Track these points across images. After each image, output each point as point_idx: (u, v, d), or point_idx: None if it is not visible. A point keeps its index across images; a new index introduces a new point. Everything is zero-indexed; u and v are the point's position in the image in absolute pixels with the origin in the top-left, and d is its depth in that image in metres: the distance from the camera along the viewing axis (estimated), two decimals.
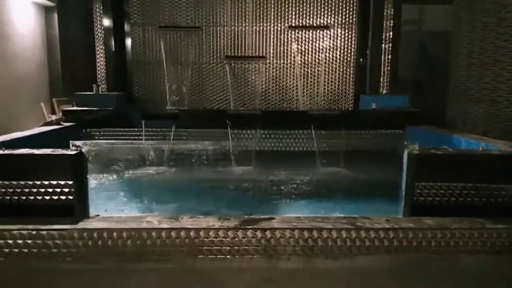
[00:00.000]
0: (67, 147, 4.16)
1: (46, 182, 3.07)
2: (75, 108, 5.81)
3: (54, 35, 8.66)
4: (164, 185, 3.81)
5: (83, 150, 3.20)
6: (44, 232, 2.63)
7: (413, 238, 2.65)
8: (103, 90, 6.43)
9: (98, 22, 6.41)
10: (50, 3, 8.36)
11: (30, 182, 3.07)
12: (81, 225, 2.68)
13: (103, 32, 6.47)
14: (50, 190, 3.08)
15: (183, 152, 5.05)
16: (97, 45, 6.43)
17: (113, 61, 6.60)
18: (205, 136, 5.70)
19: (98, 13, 6.40)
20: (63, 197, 3.08)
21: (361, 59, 6.64)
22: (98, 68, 6.47)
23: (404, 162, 3.19)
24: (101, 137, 5.66)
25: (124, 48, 6.81)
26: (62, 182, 3.08)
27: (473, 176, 3.08)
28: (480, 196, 3.02)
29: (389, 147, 5.64)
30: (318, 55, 6.75)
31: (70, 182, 3.08)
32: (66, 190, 3.08)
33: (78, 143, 3.17)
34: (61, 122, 5.29)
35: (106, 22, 6.55)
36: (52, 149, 3.21)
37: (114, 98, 5.99)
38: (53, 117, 7.99)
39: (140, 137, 5.67)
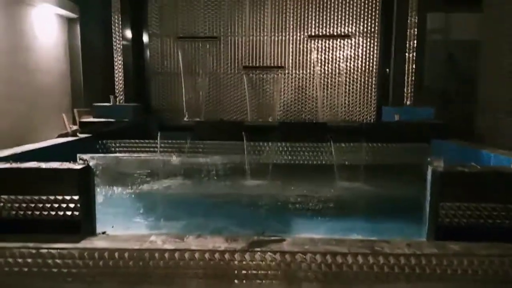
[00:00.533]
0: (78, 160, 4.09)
1: (51, 197, 2.99)
2: (91, 119, 5.80)
3: (76, 46, 8.77)
4: (175, 200, 3.69)
5: (91, 163, 3.12)
6: (45, 251, 2.54)
7: (436, 265, 2.42)
8: (121, 101, 6.42)
9: (117, 33, 6.43)
10: (73, 15, 8.47)
11: (36, 197, 3.00)
12: (82, 244, 2.57)
13: (121, 43, 6.48)
14: (56, 205, 2.99)
15: (196, 165, 4.96)
16: (115, 56, 6.44)
17: (131, 72, 6.60)
18: (221, 148, 5.59)
19: (116, 25, 6.41)
20: (68, 213, 2.98)
21: (386, 70, 6.39)
22: (116, 79, 6.47)
23: (428, 179, 2.97)
24: (116, 149, 5.62)
25: (142, 59, 6.81)
26: (67, 197, 3.00)
27: (504, 196, 2.83)
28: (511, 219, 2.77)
29: (412, 161, 5.39)
30: (339, 65, 6.56)
31: (76, 198, 2.99)
32: (72, 205, 2.99)
33: (85, 156, 3.08)
34: (77, 134, 5.28)
35: (125, 33, 6.56)
36: (59, 163, 3.14)
37: (130, 109, 5.96)
38: (72, 127, 8.07)
39: (156, 149, 5.61)
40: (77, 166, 3.04)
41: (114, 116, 5.81)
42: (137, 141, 5.63)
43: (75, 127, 8.11)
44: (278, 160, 5.55)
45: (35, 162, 3.17)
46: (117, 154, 3.25)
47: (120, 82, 6.49)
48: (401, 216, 3.53)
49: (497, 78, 5.77)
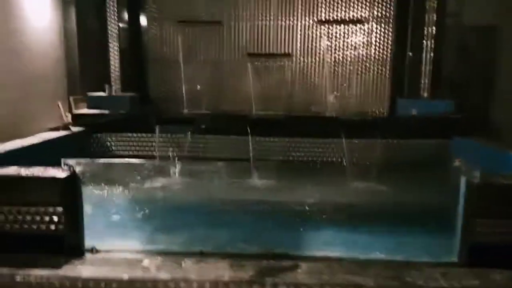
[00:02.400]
0: (73, 156, 3.72)
1: (32, 209, 2.64)
2: (84, 111, 5.43)
3: (72, 30, 8.32)
4: (171, 207, 3.34)
5: (77, 170, 2.76)
6: (20, 279, 2.19)
7: None
8: (117, 90, 6.01)
9: (112, 17, 5.98)
10: None
11: (14, 208, 2.65)
12: (64, 270, 2.23)
13: (117, 27, 6.04)
14: (37, 218, 2.65)
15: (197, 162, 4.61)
16: (111, 42, 6.01)
17: (128, 59, 6.17)
18: (223, 143, 5.24)
19: (111, 8, 5.96)
20: (51, 227, 2.65)
21: (409, 53, 5.88)
22: (112, 67, 6.06)
23: (461, 192, 2.59)
24: (112, 143, 5.27)
25: (139, 45, 6.36)
26: (50, 209, 2.65)
27: None
28: None
29: (432, 160, 5.03)
30: (350, 53, 6.11)
31: (60, 209, 2.64)
32: (55, 218, 2.64)
33: (70, 162, 2.71)
34: (70, 127, 4.91)
35: (121, 17, 6.11)
36: (42, 169, 2.78)
37: (127, 100, 5.58)
38: (68, 116, 7.70)
39: (154, 144, 5.25)
40: (61, 174, 2.67)
41: (110, 107, 5.44)
42: (134, 135, 5.29)
43: (70, 116, 7.76)
44: (285, 156, 5.20)
45: (14, 168, 2.81)
46: (107, 160, 2.87)
47: (116, 70, 6.08)
48: (423, 226, 3.19)
49: None
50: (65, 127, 4.85)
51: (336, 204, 3.63)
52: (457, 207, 2.63)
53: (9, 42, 6.58)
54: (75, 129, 4.99)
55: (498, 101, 6.05)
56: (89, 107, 5.51)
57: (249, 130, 5.12)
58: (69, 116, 7.66)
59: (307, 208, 3.53)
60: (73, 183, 2.71)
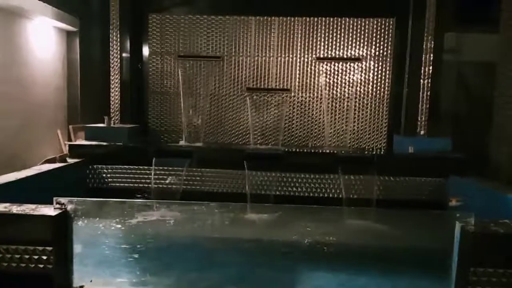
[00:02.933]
0: (68, 188, 3.71)
1: (21, 247, 2.61)
2: (82, 142, 5.44)
3: (75, 60, 8.46)
4: (163, 245, 3.28)
5: (68, 208, 2.74)
6: None
7: None
8: (117, 121, 6.05)
9: (115, 50, 6.09)
10: (72, 28, 8.18)
11: (3, 247, 2.62)
12: None
13: (119, 60, 6.14)
14: (26, 257, 2.62)
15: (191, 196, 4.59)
16: (112, 74, 6.09)
17: (128, 91, 6.24)
18: (220, 177, 5.23)
19: (114, 42, 6.08)
20: (40, 266, 2.61)
21: (406, 89, 5.89)
22: (112, 99, 6.12)
23: (455, 239, 2.57)
24: (108, 175, 5.26)
25: (140, 77, 6.45)
26: (40, 248, 2.62)
27: None
28: None
29: (428, 198, 5.00)
30: (348, 89, 6.18)
31: (50, 249, 2.61)
32: (44, 258, 2.61)
33: (62, 200, 2.70)
34: (66, 159, 4.91)
35: (123, 51, 6.22)
36: (33, 207, 2.77)
37: (126, 131, 5.59)
38: (67, 144, 7.72)
39: (150, 176, 5.25)
40: (52, 212, 2.66)
41: (108, 139, 5.45)
42: (131, 167, 5.28)
43: (66, 144, 7.77)
44: (282, 191, 5.17)
45: (4, 205, 2.79)
46: (99, 199, 2.85)
47: (116, 102, 6.14)
48: (417, 272, 3.13)
49: None
50: (62, 158, 4.84)
51: (328, 244, 3.57)
52: (452, 254, 2.60)
53: (13, 72, 6.67)
54: (71, 160, 4.99)
55: (495, 138, 6.05)
56: (87, 139, 5.53)
57: (245, 165, 5.12)
58: (68, 145, 7.69)
59: (301, 245, 3.48)
60: (64, 221, 2.69)
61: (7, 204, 2.80)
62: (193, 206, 2.88)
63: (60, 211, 2.69)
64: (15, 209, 2.73)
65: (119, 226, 2.99)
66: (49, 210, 2.69)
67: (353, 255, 3.40)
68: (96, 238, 3.01)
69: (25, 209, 2.73)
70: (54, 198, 2.73)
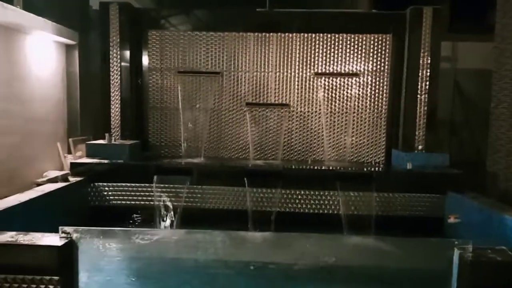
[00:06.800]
0: (71, 207, 3.74)
1: (28, 277, 2.65)
2: (83, 160, 5.48)
3: (74, 73, 8.50)
4: (164, 268, 3.32)
5: (74, 237, 2.78)
6: None
7: None
8: (117, 137, 6.09)
9: (115, 66, 6.14)
10: (71, 42, 8.23)
11: (10, 277, 2.66)
12: None
13: (119, 76, 6.19)
14: (33, 286, 2.66)
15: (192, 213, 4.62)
16: (113, 90, 6.14)
17: (129, 107, 6.28)
18: (221, 194, 5.29)
19: (115, 57, 6.13)
20: None
21: (403, 104, 5.95)
22: (113, 115, 6.16)
23: (454, 266, 2.62)
24: (110, 193, 5.30)
25: (140, 92, 6.50)
26: (46, 278, 2.66)
27: None
28: None
29: (427, 214, 5.07)
30: (346, 104, 6.25)
31: (56, 278, 2.66)
32: (51, 287, 2.65)
33: (68, 229, 2.74)
34: (68, 178, 4.95)
35: (123, 66, 6.26)
36: (39, 235, 2.81)
37: (126, 148, 5.63)
38: (67, 157, 7.75)
39: (151, 194, 5.29)
40: (58, 242, 2.70)
41: (109, 156, 5.50)
42: (132, 184, 5.33)
43: (70, 157, 7.81)
44: (282, 208, 5.23)
45: (10, 234, 2.83)
46: (105, 228, 2.90)
47: (117, 117, 6.18)
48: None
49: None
50: (64, 178, 4.88)
51: (325, 264, 3.61)
52: (449, 279, 2.66)
53: (13, 89, 6.70)
54: (73, 179, 5.03)
55: (491, 148, 6.13)
56: (88, 156, 5.57)
57: (246, 182, 5.18)
58: (68, 157, 7.72)
59: (301, 265, 3.52)
60: (69, 250, 2.73)
61: (14, 233, 2.84)
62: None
63: (66, 240, 2.73)
64: (21, 238, 2.76)
65: (124, 251, 3.03)
66: (55, 240, 2.73)
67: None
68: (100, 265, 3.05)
69: (32, 238, 2.77)
70: (60, 228, 2.77)
